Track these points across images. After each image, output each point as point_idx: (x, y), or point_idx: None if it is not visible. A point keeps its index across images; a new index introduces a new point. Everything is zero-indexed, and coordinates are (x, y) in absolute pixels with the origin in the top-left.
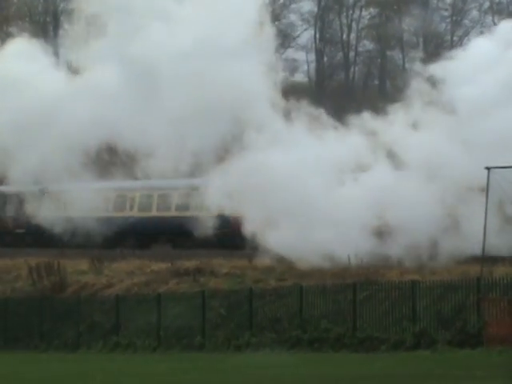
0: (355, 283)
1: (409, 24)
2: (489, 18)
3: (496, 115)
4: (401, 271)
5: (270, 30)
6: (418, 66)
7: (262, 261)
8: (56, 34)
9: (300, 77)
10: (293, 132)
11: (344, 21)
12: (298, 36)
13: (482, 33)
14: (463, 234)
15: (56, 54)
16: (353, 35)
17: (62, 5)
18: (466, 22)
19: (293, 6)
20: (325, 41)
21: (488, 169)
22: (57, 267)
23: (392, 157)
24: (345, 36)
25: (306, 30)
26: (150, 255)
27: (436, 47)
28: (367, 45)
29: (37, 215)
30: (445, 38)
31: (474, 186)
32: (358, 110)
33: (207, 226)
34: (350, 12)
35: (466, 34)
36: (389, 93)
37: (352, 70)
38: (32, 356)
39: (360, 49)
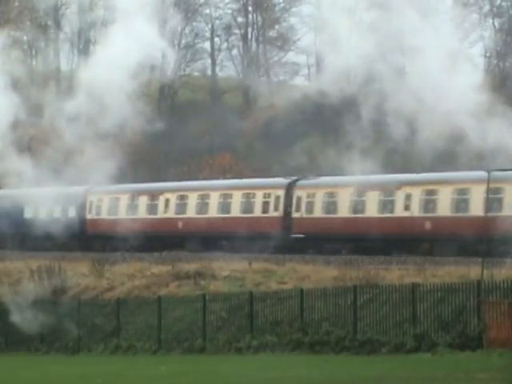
0: (356, 286)
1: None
2: (489, 21)
3: None
4: (401, 274)
5: None
6: None
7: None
8: (57, 37)
9: (301, 80)
10: None
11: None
12: (299, 39)
13: (481, 36)
14: None
15: (57, 55)
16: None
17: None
18: (466, 25)
19: (293, 9)
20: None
21: (488, 172)
22: (58, 270)
23: None
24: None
25: (306, 33)
26: (150, 258)
27: None
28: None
29: None
30: None
31: None
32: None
33: None
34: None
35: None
36: None
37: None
38: (33, 359)
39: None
